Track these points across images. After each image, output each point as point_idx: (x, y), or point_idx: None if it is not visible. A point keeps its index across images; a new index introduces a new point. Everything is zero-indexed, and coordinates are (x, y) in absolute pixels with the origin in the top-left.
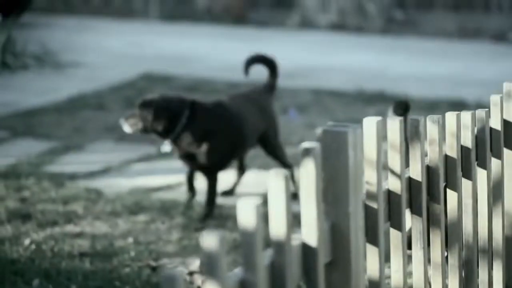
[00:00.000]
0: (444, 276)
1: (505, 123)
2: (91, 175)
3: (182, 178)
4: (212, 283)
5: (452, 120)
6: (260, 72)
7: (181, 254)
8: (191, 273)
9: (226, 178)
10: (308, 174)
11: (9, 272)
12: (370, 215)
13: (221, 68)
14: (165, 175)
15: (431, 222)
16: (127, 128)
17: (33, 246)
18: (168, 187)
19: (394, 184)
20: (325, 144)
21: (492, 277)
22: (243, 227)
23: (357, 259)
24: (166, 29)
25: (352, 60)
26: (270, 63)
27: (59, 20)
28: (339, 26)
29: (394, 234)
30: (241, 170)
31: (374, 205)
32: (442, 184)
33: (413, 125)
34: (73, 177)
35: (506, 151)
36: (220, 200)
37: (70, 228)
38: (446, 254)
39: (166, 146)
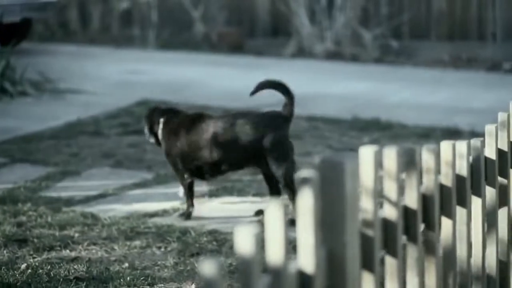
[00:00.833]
0: None
1: (500, 152)
2: (88, 200)
3: (177, 203)
4: None
5: (447, 149)
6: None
7: (176, 279)
8: None
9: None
10: (305, 202)
11: None
12: (366, 242)
13: (218, 96)
14: (161, 200)
15: (426, 249)
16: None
17: (29, 271)
18: (164, 212)
19: (390, 212)
20: (322, 173)
21: None
22: (240, 254)
23: (353, 286)
24: (164, 56)
25: (348, 88)
26: (284, 89)
27: (58, 48)
28: (335, 55)
29: (390, 262)
30: (273, 191)
31: (370, 233)
32: (437, 212)
33: (409, 154)
34: (69, 202)
35: (500, 179)
36: (215, 226)
37: (66, 252)
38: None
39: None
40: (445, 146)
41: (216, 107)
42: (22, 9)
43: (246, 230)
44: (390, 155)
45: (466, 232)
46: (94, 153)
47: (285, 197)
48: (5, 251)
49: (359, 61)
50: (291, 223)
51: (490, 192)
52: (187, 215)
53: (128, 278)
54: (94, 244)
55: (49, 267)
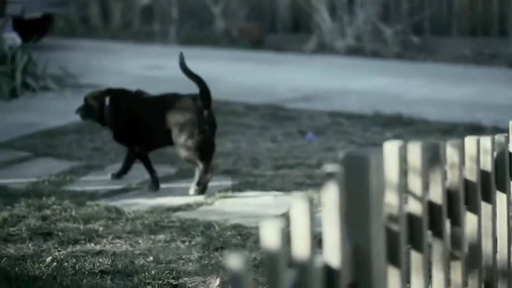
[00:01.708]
0: None
1: None
2: (111, 194)
3: (201, 198)
4: None
5: (472, 145)
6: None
7: (201, 273)
8: None
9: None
10: (330, 197)
11: None
12: (391, 237)
13: (239, 91)
14: (184, 195)
15: (451, 244)
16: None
17: (55, 264)
18: (188, 207)
19: (415, 207)
20: (347, 168)
21: None
22: (266, 248)
23: (379, 281)
24: (184, 52)
25: (369, 84)
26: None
27: (79, 43)
28: (355, 51)
29: (415, 256)
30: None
31: (395, 227)
32: (462, 208)
33: (434, 149)
34: (93, 196)
35: None
36: (238, 220)
37: (91, 246)
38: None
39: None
40: (470, 141)
41: (237, 102)
42: (43, 5)
43: (271, 224)
44: (415, 150)
45: (491, 227)
46: (117, 148)
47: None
48: (30, 244)
49: (380, 57)
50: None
51: None
52: (155, 184)
53: (153, 272)
54: (119, 238)
55: (74, 260)
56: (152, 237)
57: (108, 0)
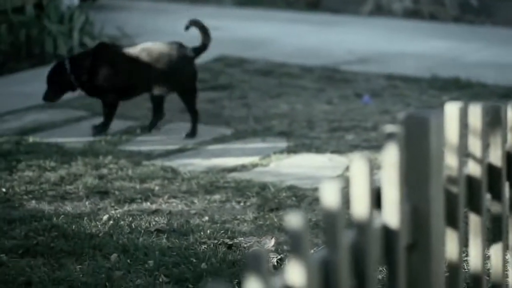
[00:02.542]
0: None
1: None
2: (167, 154)
3: (257, 159)
4: (297, 261)
5: None
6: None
7: (256, 233)
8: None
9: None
10: (390, 157)
11: (88, 246)
12: (450, 199)
13: (294, 53)
14: (240, 156)
15: (510, 208)
16: None
17: (111, 222)
18: (243, 168)
19: (475, 169)
20: (407, 128)
21: None
22: (326, 208)
23: (437, 242)
24: (240, 13)
25: (426, 47)
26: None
27: (134, 3)
28: (413, 13)
29: (473, 219)
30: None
31: (454, 189)
32: None
33: (494, 112)
34: (149, 156)
35: None
36: (294, 182)
37: (147, 205)
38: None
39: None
40: None
41: (292, 64)
42: None
43: (331, 184)
44: (475, 111)
45: None
46: (172, 108)
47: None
48: (87, 203)
49: (438, 20)
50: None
51: None
52: (103, 129)
53: (208, 231)
54: (174, 197)
55: (130, 218)
56: (208, 197)
57: None
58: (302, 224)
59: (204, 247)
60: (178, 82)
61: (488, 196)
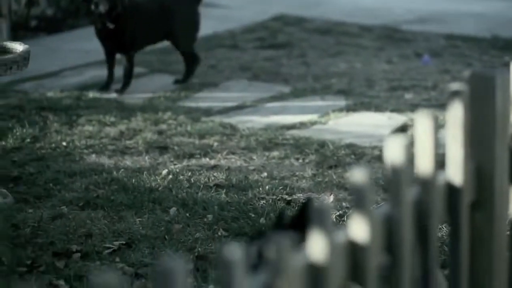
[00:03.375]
0: None
1: None
2: (226, 111)
3: (315, 117)
4: (360, 216)
5: None
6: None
7: (314, 189)
8: None
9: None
10: (455, 116)
11: (147, 200)
12: None
13: (353, 12)
14: (298, 113)
15: None
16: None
17: (170, 176)
18: (301, 125)
19: None
20: (472, 86)
21: None
22: (391, 164)
23: (501, 201)
24: None
25: (487, 7)
26: None
27: None
28: None
29: None
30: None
31: None
32: None
33: None
34: (208, 112)
35: None
36: (352, 140)
37: (206, 160)
38: None
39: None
40: None
41: (351, 23)
42: None
43: (396, 140)
44: None
45: None
46: (231, 66)
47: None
48: (146, 157)
49: None
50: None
51: None
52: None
53: (267, 187)
54: (233, 153)
55: (189, 173)
56: (266, 153)
57: None
58: (366, 179)
59: (263, 203)
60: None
61: None
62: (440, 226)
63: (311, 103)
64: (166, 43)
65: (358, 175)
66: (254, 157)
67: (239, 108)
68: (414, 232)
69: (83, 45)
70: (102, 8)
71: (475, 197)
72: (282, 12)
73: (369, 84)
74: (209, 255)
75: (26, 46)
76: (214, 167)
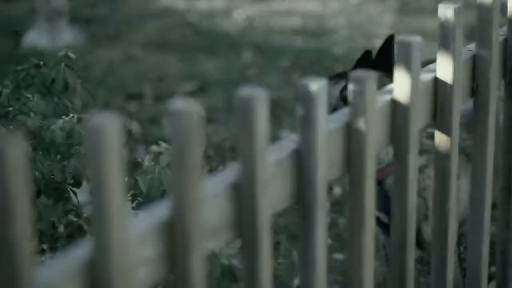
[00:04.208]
0: None
1: None
2: None
3: None
4: (446, 54)
5: None
6: None
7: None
8: None
9: None
10: None
11: (222, 44)
12: None
13: None
14: None
15: None
16: None
17: (245, 20)
18: None
19: None
20: None
21: None
22: (480, 4)
23: None
24: None
25: None
26: None
27: None
28: None
29: None
30: None
31: None
32: None
33: None
34: None
35: None
36: None
37: (282, 5)
38: None
39: None
40: None
41: None
42: None
43: None
44: None
45: None
46: None
47: None
48: (220, 0)
49: None
50: None
51: None
52: None
53: (344, 33)
54: None
55: (264, 18)
56: None
57: None
58: (454, 15)
59: (340, 50)
60: None
61: None
62: None
63: None
64: None
65: (446, 11)
66: (331, 2)
67: None
68: (500, 71)
69: None
70: None
71: None
72: None
73: None
74: (283, 101)
75: None
76: (290, 13)
